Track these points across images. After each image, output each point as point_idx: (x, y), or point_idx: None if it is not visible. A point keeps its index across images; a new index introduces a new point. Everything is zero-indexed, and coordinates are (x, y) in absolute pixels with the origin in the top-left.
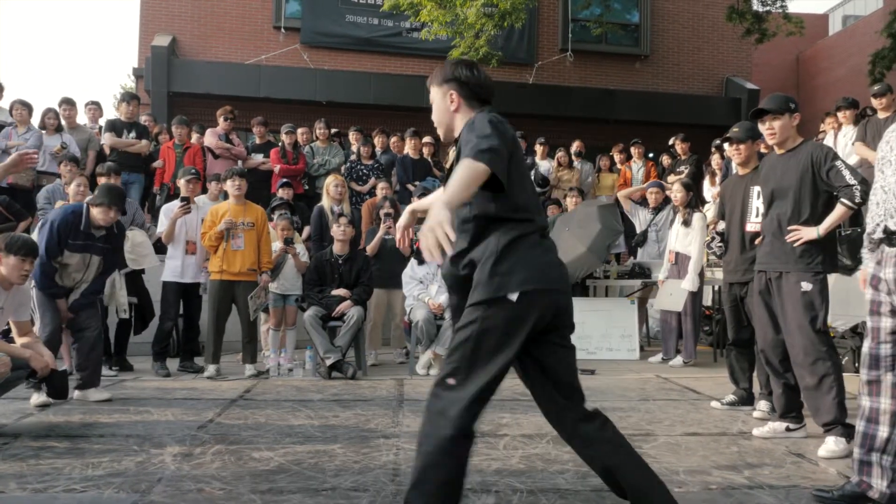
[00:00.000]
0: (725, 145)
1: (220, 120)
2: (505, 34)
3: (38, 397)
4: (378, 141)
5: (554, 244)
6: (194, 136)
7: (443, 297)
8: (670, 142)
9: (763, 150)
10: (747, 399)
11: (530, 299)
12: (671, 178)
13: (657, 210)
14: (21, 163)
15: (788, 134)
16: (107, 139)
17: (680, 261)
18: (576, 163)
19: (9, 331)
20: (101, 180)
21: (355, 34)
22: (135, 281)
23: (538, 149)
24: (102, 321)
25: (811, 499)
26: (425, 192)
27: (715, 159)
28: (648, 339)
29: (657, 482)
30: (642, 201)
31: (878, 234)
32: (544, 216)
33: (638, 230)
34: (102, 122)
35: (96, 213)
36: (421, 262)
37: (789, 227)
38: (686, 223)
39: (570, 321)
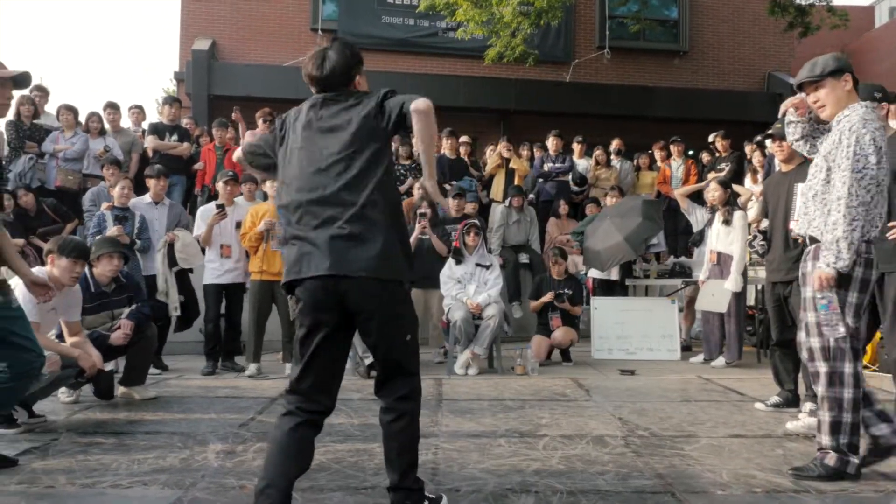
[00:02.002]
0: (767, 142)
1: (259, 122)
2: (541, 32)
3: (68, 395)
4: (415, 141)
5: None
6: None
7: (481, 297)
8: (710, 138)
9: None
10: (793, 401)
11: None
12: (711, 175)
13: (715, 209)
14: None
15: None
16: (150, 142)
17: (722, 261)
18: (614, 161)
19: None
20: (150, 182)
21: (391, 35)
22: (182, 280)
23: (575, 147)
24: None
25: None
26: (461, 192)
27: (756, 156)
28: (689, 340)
29: None
30: (700, 200)
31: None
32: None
33: (695, 229)
34: (145, 125)
35: (102, 267)
36: (459, 261)
37: (889, 224)
38: (727, 222)
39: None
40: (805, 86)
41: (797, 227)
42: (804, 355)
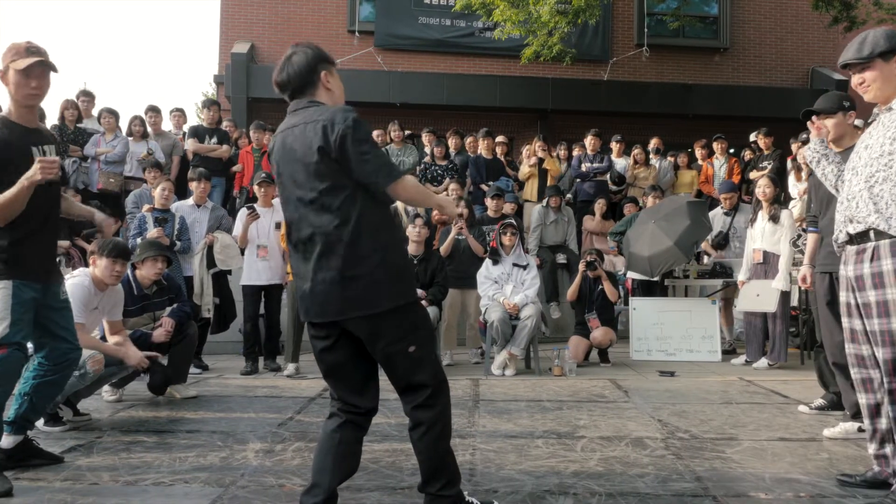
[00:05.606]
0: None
1: None
2: (578, 31)
3: (111, 394)
4: (452, 142)
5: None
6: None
7: (518, 297)
8: (752, 136)
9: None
10: (838, 403)
11: None
12: (753, 174)
13: (733, 212)
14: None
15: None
16: (190, 145)
17: (768, 259)
18: (653, 160)
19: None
20: (192, 185)
21: (428, 36)
22: (219, 282)
23: (614, 146)
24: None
25: None
26: (500, 192)
27: (801, 153)
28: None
29: None
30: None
31: (842, 239)
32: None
33: (714, 231)
34: (186, 128)
35: (145, 270)
36: (496, 261)
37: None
38: (774, 219)
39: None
40: (851, 66)
41: (849, 223)
42: (858, 369)
